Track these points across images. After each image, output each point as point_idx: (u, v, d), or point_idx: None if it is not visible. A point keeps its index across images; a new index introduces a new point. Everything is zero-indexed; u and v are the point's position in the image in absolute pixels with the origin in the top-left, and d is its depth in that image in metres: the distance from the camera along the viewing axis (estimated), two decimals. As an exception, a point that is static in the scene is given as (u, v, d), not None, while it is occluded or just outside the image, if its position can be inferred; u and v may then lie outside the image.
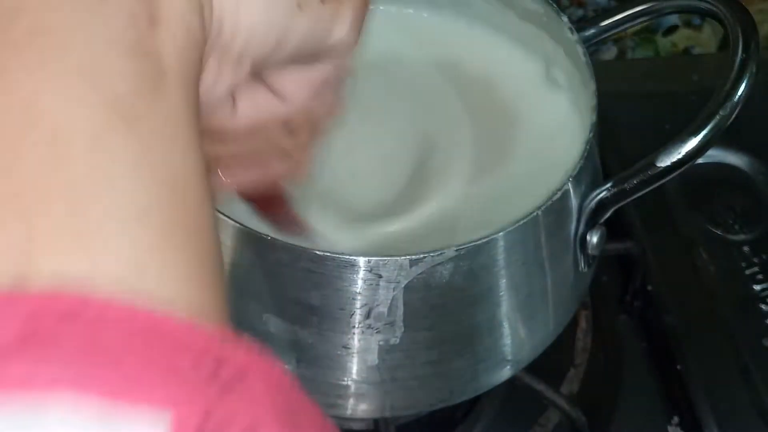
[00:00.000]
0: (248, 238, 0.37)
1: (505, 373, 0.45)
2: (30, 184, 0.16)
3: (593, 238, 0.44)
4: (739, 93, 0.41)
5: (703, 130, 0.41)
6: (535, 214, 0.39)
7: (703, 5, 0.45)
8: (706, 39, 0.79)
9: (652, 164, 0.42)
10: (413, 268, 0.37)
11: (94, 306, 0.15)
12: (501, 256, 0.39)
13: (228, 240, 0.38)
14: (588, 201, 0.43)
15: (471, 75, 0.51)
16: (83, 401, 0.14)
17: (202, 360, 0.16)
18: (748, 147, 0.63)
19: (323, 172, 0.45)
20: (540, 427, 0.53)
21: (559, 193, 0.40)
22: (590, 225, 0.43)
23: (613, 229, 0.46)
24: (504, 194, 0.45)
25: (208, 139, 0.28)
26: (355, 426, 0.52)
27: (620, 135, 0.63)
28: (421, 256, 0.37)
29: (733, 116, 0.41)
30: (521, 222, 0.39)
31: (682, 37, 0.79)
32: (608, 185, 0.43)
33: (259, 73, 0.28)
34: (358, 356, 0.40)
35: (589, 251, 0.44)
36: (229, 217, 0.37)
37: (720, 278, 0.58)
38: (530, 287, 0.42)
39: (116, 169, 0.17)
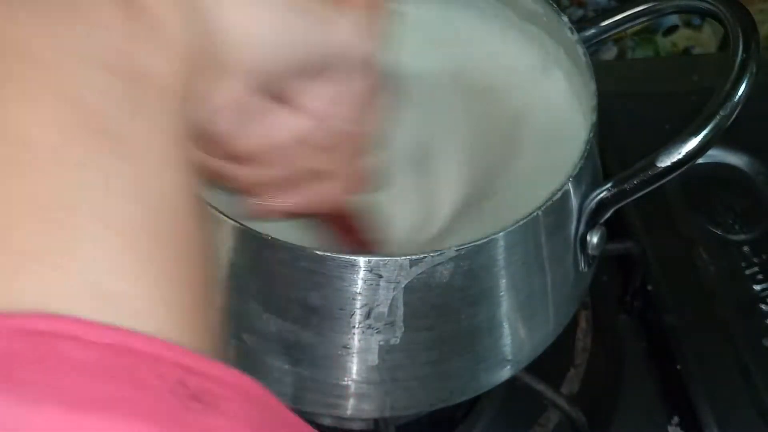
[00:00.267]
0: (248, 238, 0.37)
1: (505, 373, 0.45)
2: (10, 206, 0.16)
3: (593, 238, 0.44)
4: (739, 93, 0.41)
5: (703, 130, 0.41)
6: (535, 214, 0.39)
7: (703, 5, 0.45)
8: (706, 39, 0.79)
9: (652, 164, 0.42)
10: (413, 268, 0.37)
11: (62, 326, 0.15)
12: (501, 256, 0.39)
13: (228, 240, 0.38)
14: (588, 201, 0.43)
15: (470, 75, 0.51)
16: None
17: (181, 386, 0.15)
18: (748, 147, 0.63)
19: None
20: (540, 427, 0.53)
21: (559, 193, 0.40)
22: (590, 225, 0.43)
23: (613, 229, 0.46)
24: (504, 194, 0.45)
25: (245, 165, 0.28)
26: (355, 426, 0.52)
27: (620, 135, 0.63)
28: (421, 256, 0.37)
29: (733, 116, 0.41)
30: (521, 222, 0.39)
31: (682, 37, 0.79)
32: (608, 185, 0.43)
33: (283, 94, 0.27)
34: (358, 356, 0.40)
35: (589, 251, 0.44)
36: (229, 217, 0.37)
37: (720, 278, 0.58)
38: (530, 287, 0.42)
39: (93, 181, 0.17)
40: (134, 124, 0.18)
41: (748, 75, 0.42)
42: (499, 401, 0.54)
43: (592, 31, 0.48)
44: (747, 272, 0.58)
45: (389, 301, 0.38)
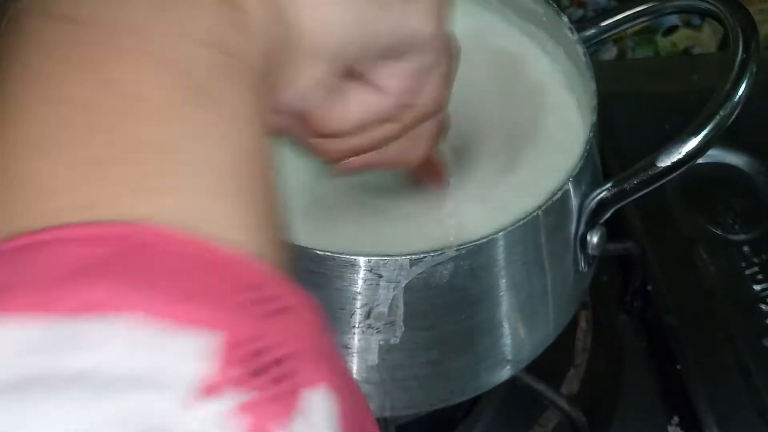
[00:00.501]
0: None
1: (505, 373, 0.45)
2: (116, 141, 0.19)
3: (593, 238, 0.44)
4: (739, 93, 0.41)
5: (703, 130, 0.41)
6: (535, 214, 0.39)
7: (703, 5, 0.45)
8: (706, 39, 0.79)
9: (652, 164, 0.42)
10: (413, 268, 0.37)
11: (163, 236, 0.18)
12: (501, 256, 0.39)
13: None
14: (588, 201, 0.43)
15: (469, 75, 0.51)
16: (142, 322, 0.16)
17: (255, 289, 0.18)
18: (748, 147, 0.63)
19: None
20: (540, 427, 0.53)
21: (559, 193, 0.40)
22: (590, 225, 0.43)
23: (613, 229, 0.46)
24: (504, 194, 0.45)
25: (325, 140, 0.32)
26: (355, 426, 0.52)
27: (620, 135, 0.63)
28: (422, 255, 0.37)
29: (733, 116, 0.41)
30: (521, 222, 0.39)
31: (682, 37, 0.79)
32: (608, 185, 0.43)
33: (360, 73, 0.30)
34: (358, 356, 0.40)
35: (589, 251, 0.44)
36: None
37: (720, 278, 0.58)
38: (530, 287, 0.42)
39: (191, 134, 0.20)
40: (224, 90, 0.21)
41: (748, 75, 0.42)
42: (499, 401, 0.54)
43: (592, 31, 0.48)
44: (747, 272, 0.58)
45: (389, 301, 0.38)
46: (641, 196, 0.43)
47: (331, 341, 0.21)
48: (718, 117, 0.41)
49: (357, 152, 0.34)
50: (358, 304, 0.38)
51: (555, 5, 0.48)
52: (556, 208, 0.40)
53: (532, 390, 0.51)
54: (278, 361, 0.17)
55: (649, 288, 0.57)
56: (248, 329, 0.17)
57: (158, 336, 0.16)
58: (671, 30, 0.79)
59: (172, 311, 0.17)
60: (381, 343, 0.40)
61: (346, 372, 0.22)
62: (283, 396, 0.17)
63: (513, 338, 0.43)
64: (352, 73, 0.30)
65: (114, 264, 0.17)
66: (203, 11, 0.22)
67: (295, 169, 0.43)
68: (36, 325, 0.16)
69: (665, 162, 0.41)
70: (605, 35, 0.49)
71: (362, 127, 0.32)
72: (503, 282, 0.40)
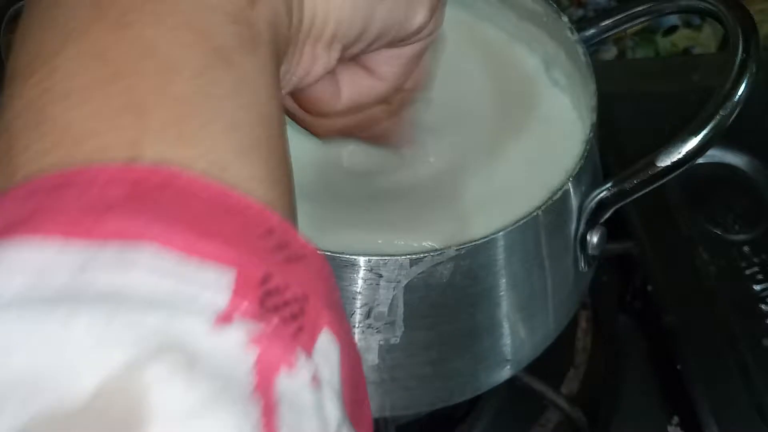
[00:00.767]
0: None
1: (505, 373, 0.45)
2: (146, 94, 0.20)
3: (593, 238, 0.44)
4: (739, 93, 0.41)
5: (703, 130, 0.41)
6: (535, 214, 0.39)
7: (703, 5, 0.45)
8: (706, 39, 0.79)
9: (652, 164, 0.42)
10: (413, 268, 0.37)
11: (187, 179, 0.19)
12: (501, 256, 0.39)
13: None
14: (588, 201, 0.43)
15: (470, 75, 0.51)
16: (164, 252, 0.17)
17: (269, 235, 0.19)
18: (748, 147, 0.63)
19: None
20: (540, 427, 0.53)
21: (559, 193, 0.40)
22: (590, 225, 0.43)
23: (613, 229, 0.46)
24: (504, 194, 0.45)
25: (316, 120, 0.34)
26: (355, 426, 0.52)
27: (620, 135, 0.63)
28: (422, 255, 0.37)
29: (733, 116, 0.41)
30: (521, 222, 0.39)
31: (682, 37, 0.79)
32: (608, 185, 0.43)
33: (355, 58, 0.32)
34: (358, 356, 0.40)
35: (589, 251, 0.44)
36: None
37: (720, 278, 0.58)
38: (530, 287, 0.42)
39: (215, 92, 0.21)
40: (246, 59, 0.22)
41: (748, 75, 0.42)
42: (499, 401, 0.54)
43: (592, 31, 0.48)
44: (747, 272, 0.58)
45: (389, 301, 0.38)
46: (641, 196, 0.43)
47: (339, 294, 0.22)
48: (718, 117, 0.41)
49: (344, 132, 0.36)
50: (358, 304, 0.38)
51: (555, 5, 0.48)
52: (556, 208, 0.40)
53: (532, 390, 0.51)
54: (291, 301, 0.18)
55: (649, 288, 0.57)
56: (263, 268, 0.18)
57: (180, 266, 0.17)
58: (671, 30, 0.79)
59: (194, 245, 0.18)
60: (381, 343, 0.40)
61: (349, 327, 0.23)
62: (294, 334, 0.18)
63: (513, 338, 0.43)
64: (349, 57, 0.31)
65: (140, 199, 0.18)
66: None
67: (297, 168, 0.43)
68: (64, 248, 0.17)
69: (665, 162, 0.41)
70: (605, 35, 0.49)
71: (353, 109, 0.34)
72: (503, 282, 0.40)
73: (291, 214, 0.22)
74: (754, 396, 0.53)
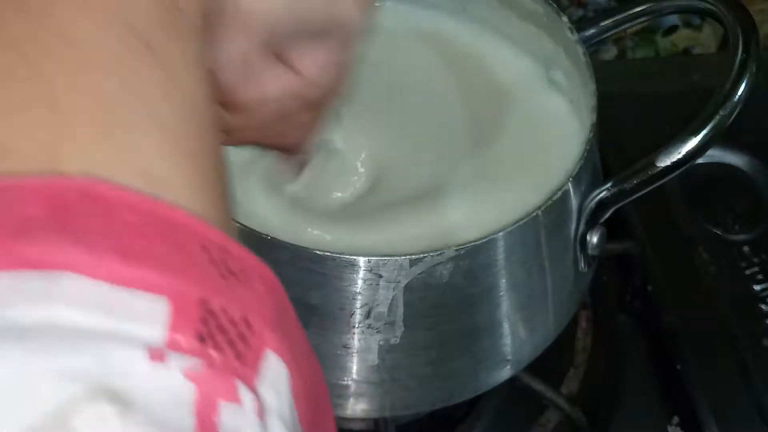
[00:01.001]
0: (248, 238, 0.37)
1: (505, 373, 0.45)
2: (64, 91, 0.18)
3: (593, 238, 0.44)
4: (739, 93, 0.41)
5: (703, 130, 0.41)
6: (535, 214, 0.39)
7: (703, 5, 0.45)
8: (706, 39, 0.79)
9: (652, 164, 0.42)
10: (413, 268, 0.37)
11: (113, 193, 0.17)
12: (501, 256, 0.39)
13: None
14: (588, 201, 0.43)
15: (471, 75, 0.51)
16: (88, 282, 0.16)
17: (204, 250, 0.18)
18: (748, 147, 0.63)
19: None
20: (540, 427, 0.53)
21: (559, 193, 0.40)
22: (590, 225, 0.43)
23: (613, 229, 0.46)
24: (504, 194, 0.45)
25: (231, 112, 0.32)
26: (355, 426, 0.52)
27: (620, 135, 0.63)
28: (421, 255, 0.37)
29: (733, 116, 0.41)
30: (521, 222, 0.39)
31: (682, 37, 0.79)
32: (608, 185, 0.43)
33: (277, 52, 0.30)
34: (358, 356, 0.40)
35: (589, 251, 0.44)
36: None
37: (720, 278, 0.58)
38: (530, 287, 0.42)
39: (141, 87, 0.19)
40: (173, 47, 0.21)
41: (747, 75, 0.42)
42: (499, 401, 0.54)
43: (592, 31, 0.48)
44: (747, 272, 0.58)
45: (389, 301, 0.38)
46: (641, 196, 0.43)
47: (287, 303, 0.20)
48: (717, 117, 0.41)
49: (254, 128, 0.33)
50: (358, 304, 0.38)
51: (555, 5, 0.48)
52: (556, 208, 0.40)
53: (532, 390, 0.51)
54: (230, 327, 0.17)
55: (649, 288, 0.57)
56: (199, 293, 0.17)
57: (107, 296, 0.16)
58: (671, 30, 0.79)
59: (120, 272, 0.16)
60: (381, 343, 0.40)
61: (303, 341, 0.21)
62: (234, 364, 0.17)
63: (513, 338, 0.43)
64: (269, 49, 0.30)
65: (61, 220, 0.16)
66: None
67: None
68: None
69: (665, 162, 0.41)
70: (605, 35, 0.49)
71: (266, 104, 0.32)
72: (503, 282, 0.40)
73: (227, 222, 0.21)
74: (754, 396, 0.53)
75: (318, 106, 0.34)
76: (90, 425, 0.14)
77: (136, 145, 0.18)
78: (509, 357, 0.44)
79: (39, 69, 0.18)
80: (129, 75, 0.19)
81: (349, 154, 0.47)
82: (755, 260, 0.59)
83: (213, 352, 0.16)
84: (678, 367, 0.54)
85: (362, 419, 0.50)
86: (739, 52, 0.42)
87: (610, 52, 0.79)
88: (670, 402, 0.54)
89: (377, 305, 0.38)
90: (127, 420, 0.15)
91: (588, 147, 0.42)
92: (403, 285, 0.38)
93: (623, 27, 0.49)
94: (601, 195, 0.43)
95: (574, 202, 0.42)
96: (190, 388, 0.16)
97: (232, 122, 0.32)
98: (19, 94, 0.18)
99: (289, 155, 0.39)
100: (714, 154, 0.62)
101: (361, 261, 0.37)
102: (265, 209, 0.43)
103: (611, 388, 0.55)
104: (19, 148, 0.17)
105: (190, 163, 0.19)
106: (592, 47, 0.48)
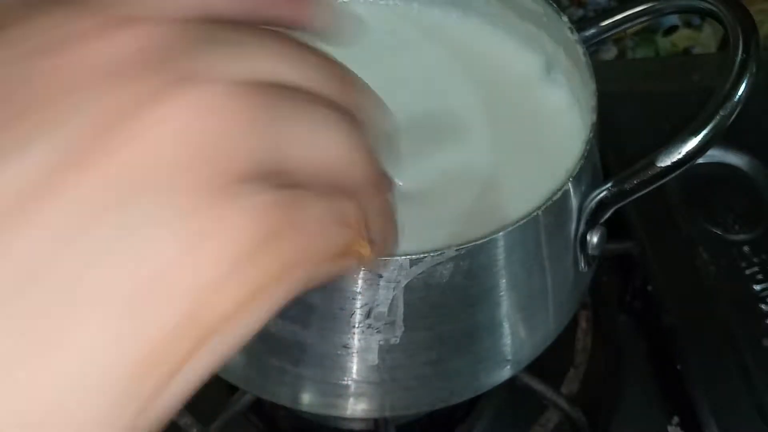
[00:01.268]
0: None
1: (505, 373, 0.45)
2: None
3: (593, 238, 0.44)
4: (739, 93, 0.41)
5: (703, 130, 0.41)
6: (535, 214, 0.39)
7: (703, 5, 0.45)
8: (706, 39, 0.79)
9: (652, 164, 0.42)
10: (413, 268, 0.37)
11: None
12: (501, 256, 0.39)
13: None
14: (588, 201, 0.43)
15: (470, 75, 0.51)
16: None
17: None
18: (748, 147, 0.63)
19: None
20: (540, 427, 0.53)
21: (559, 193, 0.40)
22: (590, 225, 0.43)
23: (613, 229, 0.46)
24: (504, 194, 0.45)
25: None
26: (355, 426, 0.52)
27: (620, 135, 0.63)
28: (421, 255, 0.37)
29: (733, 116, 0.41)
30: (521, 222, 0.39)
31: (682, 37, 0.79)
32: (608, 185, 0.43)
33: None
34: (358, 356, 0.40)
35: (589, 251, 0.44)
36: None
37: (720, 278, 0.58)
38: (530, 287, 0.42)
39: None
40: None
41: (748, 75, 0.42)
42: (499, 401, 0.54)
43: (592, 31, 0.48)
44: (747, 272, 0.58)
45: (389, 301, 0.38)
46: (641, 196, 0.43)
47: None
48: (717, 117, 0.41)
49: None
50: (358, 304, 0.38)
51: (555, 5, 0.48)
52: (556, 208, 0.40)
53: (532, 390, 0.51)
54: None
55: (649, 288, 0.57)
56: None
57: None
58: (671, 30, 0.79)
59: None
60: (381, 343, 0.40)
61: None
62: None
63: (513, 338, 0.43)
64: None
65: None
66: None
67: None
68: None
69: (665, 162, 0.41)
70: (605, 35, 0.49)
71: None
72: (503, 282, 0.40)
73: None
74: (754, 396, 0.53)
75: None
76: None
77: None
78: (509, 357, 0.44)
79: None
80: None
81: None
82: (755, 260, 0.59)
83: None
84: (678, 367, 0.54)
85: (362, 419, 0.50)
86: (739, 52, 0.42)
87: (610, 52, 0.79)
88: (670, 402, 0.54)
89: (377, 305, 0.38)
90: None
91: (588, 147, 0.42)
92: (403, 285, 0.38)
93: (623, 27, 0.49)
94: (601, 195, 0.43)
95: (574, 202, 0.42)
96: None
97: None
98: None
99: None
100: (714, 154, 0.62)
101: (361, 261, 0.37)
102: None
103: (611, 388, 0.55)
104: None
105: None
106: (592, 47, 0.48)
